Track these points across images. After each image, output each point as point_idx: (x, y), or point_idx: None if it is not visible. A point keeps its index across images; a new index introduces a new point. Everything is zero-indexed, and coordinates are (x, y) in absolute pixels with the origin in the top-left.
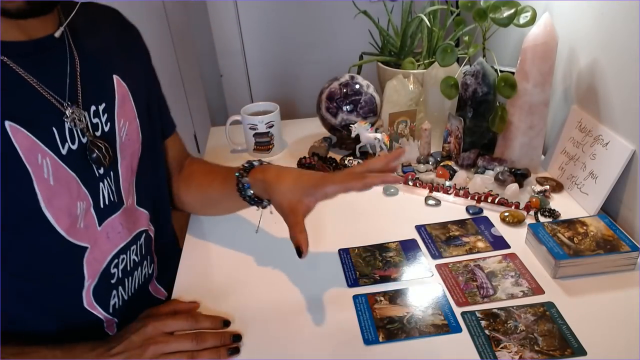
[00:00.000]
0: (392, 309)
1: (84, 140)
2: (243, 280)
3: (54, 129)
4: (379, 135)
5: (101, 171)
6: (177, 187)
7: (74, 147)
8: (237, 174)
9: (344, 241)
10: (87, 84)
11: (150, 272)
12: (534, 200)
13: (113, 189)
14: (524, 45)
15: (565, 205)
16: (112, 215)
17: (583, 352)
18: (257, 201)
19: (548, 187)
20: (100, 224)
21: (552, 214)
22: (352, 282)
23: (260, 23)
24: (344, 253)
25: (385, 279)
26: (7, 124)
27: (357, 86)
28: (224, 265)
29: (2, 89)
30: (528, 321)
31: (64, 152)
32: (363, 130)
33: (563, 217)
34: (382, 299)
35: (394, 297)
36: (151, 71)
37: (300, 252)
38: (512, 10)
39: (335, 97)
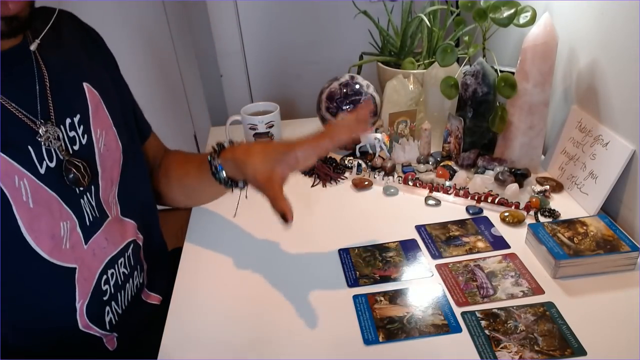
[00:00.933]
0: (392, 309)
1: (61, 157)
2: (243, 280)
3: (29, 147)
4: (379, 135)
5: (82, 187)
6: (157, 183)
7: (52, 164)
8: (208, 158)
9: (344, 241)
10: (59, 96)
11: (141, 281)
12: (534, 200)
13: (94, 204)
14: (524, 45)
15: (565, 205)
16: (97, 232)
17: (583, 352)
18: (232, 183)
19: (548, 187)
20: (86, 242)
21: (552, 214)
22: (352, 282)
23: (260, 23)
24: (344, 253)
25: (385, 279)
26: None
27: (357, 86)
28: (224, 265)
29: None
30: (528, 321)
31: (42, 171)
32: None
33: (563, 217)
34: (382, 299)
35: (394, 297)
36: (118, 75)
37: (285, 219)
38: (512, 10)
39: (335, 97)
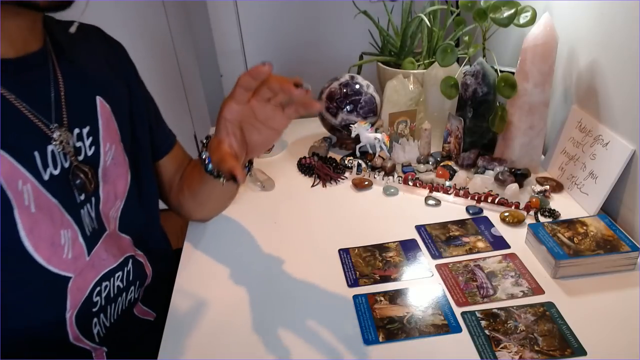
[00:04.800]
0: (392, 309)
1: (67, 164)
2: (243, 280)
3: (35, 153)
4: (379, 135)
5: (82, 197)
6: (179, 198)
7: (56, 172)
8: (200, 152)
9: (344, 241)
10: (72, 105)
11: (136, 296)
12: (534, 200)
13: (93, 215)
14: (524, 45)
15: (565, 205)
16: (98, 243)
17: (583, 352)
18: (219, 174)
19: (548, 187)
20: (89, 254)
21: (552, 214)
22: (352, 282)
23: (260, 23)
24: (344, 253)
25: (385, 279)
26: None
27: (357, 86)
28: (224, 265)
29: None
30: (528, 321)
31: (45, 177)
32: (363, 130)
33: (563, 217)
34: (382, 299)
35: (394, 297)
36: (139, 88)
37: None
38: (512, 10)
39: (335, 97)
